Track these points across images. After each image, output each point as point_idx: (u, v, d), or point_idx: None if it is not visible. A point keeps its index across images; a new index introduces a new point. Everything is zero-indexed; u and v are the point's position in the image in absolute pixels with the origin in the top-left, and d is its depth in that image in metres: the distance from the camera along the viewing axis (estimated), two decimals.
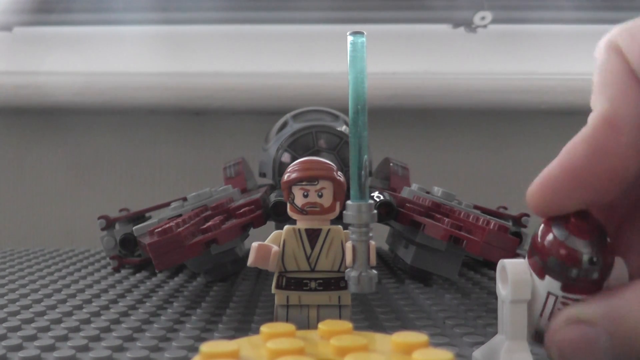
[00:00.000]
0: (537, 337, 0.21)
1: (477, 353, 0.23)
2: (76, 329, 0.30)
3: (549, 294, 0.20)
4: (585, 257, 0.19)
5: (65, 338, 0.29)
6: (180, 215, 0.36)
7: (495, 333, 0.22)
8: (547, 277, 0.20)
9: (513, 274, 0.21)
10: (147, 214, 0.49)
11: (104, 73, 0.71)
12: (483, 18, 0.74)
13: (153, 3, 0.75)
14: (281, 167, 0.41)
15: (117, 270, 0.47)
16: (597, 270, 0.20)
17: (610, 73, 0.21)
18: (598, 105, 0.21)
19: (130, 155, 0.75)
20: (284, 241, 0.26)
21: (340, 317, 0.26)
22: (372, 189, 0.41)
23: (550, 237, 0.20)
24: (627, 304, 0.19)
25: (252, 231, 0.35)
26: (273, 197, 0.36)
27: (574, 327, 0.20)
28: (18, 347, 0.27)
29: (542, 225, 0.21)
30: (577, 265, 0.19)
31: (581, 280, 0.20)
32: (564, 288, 0.20)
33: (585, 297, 0.20)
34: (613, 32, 0.22)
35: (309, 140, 0.41)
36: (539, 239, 0.21)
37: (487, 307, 0.35)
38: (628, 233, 0.23)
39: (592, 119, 0.21)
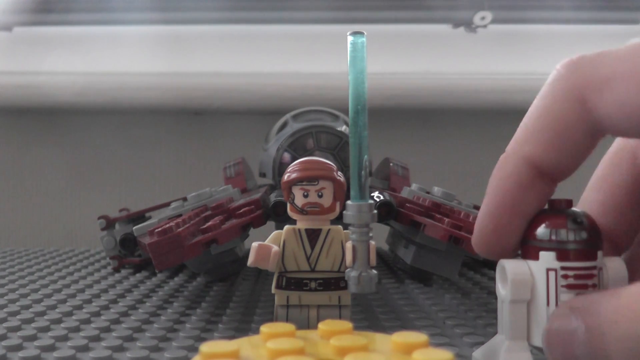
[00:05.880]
0: None
1: (477, 353, 0.23)
2: (76, 329, 0.30)
3: (547, 271, 0.21)
4: (570, 218, 0.21)
5: (65, 338, 0.29)
6: (180, 215, 0.36)
7: (495, 333, 0.22)
8: (542, 254, 0.21)
9: (513, 274, 0.21)
10: (147, 214, 0.49)
11: (104, 73, 0.71)
12: (483, 18, 0.74)
13: (153, 3, 0.75)
14: (281, 167, 0.41)
15: (117, 270, 0.47)
16: (584, 230, 0.20)
17: (561, 122, 0.20)
18: (527, 148, 0.21)
19: (130, 155, 0.75)
20: (284, 241, 0.26)
21: (340, 317, 0.26)
22: (372, 189, 0.41)
23: (535, 219, 0.21)
24: (605, 299, 0.18)
25: (252, 231, 0.35)
26: (273, 197, 0.36)
27: (562, 316, 0.19)
28: (18, 347, 0.27)
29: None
30: (563, 226, 0.20)
31: (572, 243, 0.20)
32: (559, 257, 0.20)
33: (581, 264, 0.20)
34: (576, 80, 0.20)
35: (309, 140, 0.41)
36: (528, 230, 0.22)
37: (487, 307, 0.35)
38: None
39: (517, 159, 0.21)
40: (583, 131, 0.20)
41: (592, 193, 0.23)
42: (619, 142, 0.23)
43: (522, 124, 0.21)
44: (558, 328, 0.19)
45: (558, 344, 0.19)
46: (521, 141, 0.21)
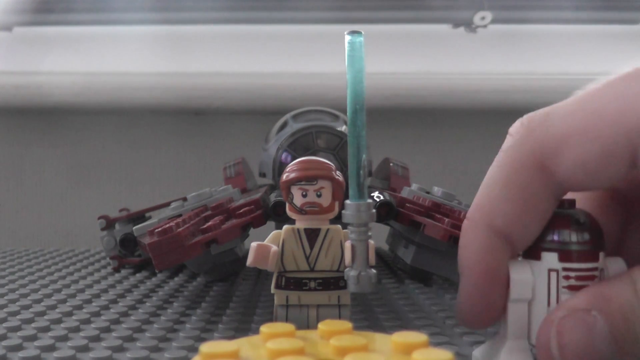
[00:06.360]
0: None
1: (477, 353, 0.23)
2: (76, 329, 0.30)
3: (549, 271, 0.21)
4: (572, 218, 0.21)
5: (65, 338, 0.29)
6: (180, 215, 0.36)
7: (495, 333, 0.22)
8: (544, 254, 0.21)
9: (513, 274, 0.21)
10: (147, 214, 0.49)
11: (104, 73, 0.71)
12: (483, 18, 0.74)
13: (153, 3, 0.75)
14: (281, 167, 0.41)
15: (117, 270, 0.47)
16: (586, 231, 0.20)
17: (526, 192, 0.20)
18: (496, 219, 0.21)
19: (130, 155, 0.75)
20: (283, 241, 0.26)
21: (339, 317, 0.26)
22: (372, 188, 0.41)
23: None
24: (613, 286, 0.19)
25: (252, 231, 0.35)
26: (273, 197, 0.36)
27: (570, 316, 0.19)
28: (18, 347, 0.27)
29: None
30: (566, 226, 0.20)
31: (574, 244, 0.20)
32: (561, 257, 0.20)
33: (583, 265, 0.20)
34: (531, 145, 0.20)
35: (308, 140, 0.41)
36: None
37: None
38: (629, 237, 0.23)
39: (486, 231, 0.21)
40: (548, 197, 0.20)
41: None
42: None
43: (484, 192, 0.21)
44: (572, 326, 0.19)
45: (576, 342, 0.19)
46: (487, 211, 0.21)
